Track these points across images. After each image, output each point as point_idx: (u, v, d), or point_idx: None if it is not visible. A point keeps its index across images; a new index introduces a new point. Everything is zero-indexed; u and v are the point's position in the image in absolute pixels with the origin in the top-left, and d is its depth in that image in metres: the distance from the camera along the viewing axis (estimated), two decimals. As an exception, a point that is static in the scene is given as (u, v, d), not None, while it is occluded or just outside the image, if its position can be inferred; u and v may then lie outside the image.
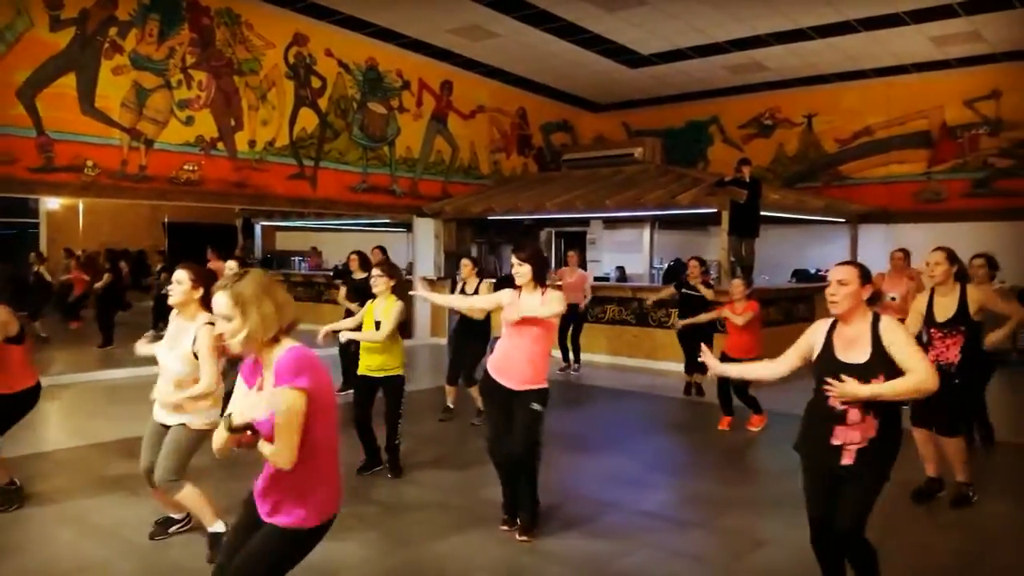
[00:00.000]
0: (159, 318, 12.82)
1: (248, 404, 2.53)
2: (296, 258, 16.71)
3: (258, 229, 16.98)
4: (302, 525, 2.53)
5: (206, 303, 4.06)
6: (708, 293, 8.57)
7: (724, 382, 7.31)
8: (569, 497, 5.15)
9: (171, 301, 4.10)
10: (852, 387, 3.04)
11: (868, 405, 3.09)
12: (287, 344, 2.51)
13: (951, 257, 4.98)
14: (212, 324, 3.91)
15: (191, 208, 11.35)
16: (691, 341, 8.94)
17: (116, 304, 12.01)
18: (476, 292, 7.26)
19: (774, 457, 6.69)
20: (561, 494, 5.10)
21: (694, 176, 12.48)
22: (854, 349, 3.16)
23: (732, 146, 15.19)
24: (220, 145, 10.60)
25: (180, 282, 4.05)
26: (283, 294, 2.58)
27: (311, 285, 15.31)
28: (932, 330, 5.04)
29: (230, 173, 10.74)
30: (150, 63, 9.79)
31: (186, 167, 10.24)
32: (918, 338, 5.04)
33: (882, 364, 3.08)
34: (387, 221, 14.27)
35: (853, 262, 3.29)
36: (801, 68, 13.16)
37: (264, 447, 2.48)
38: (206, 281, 4.09)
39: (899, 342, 3.09)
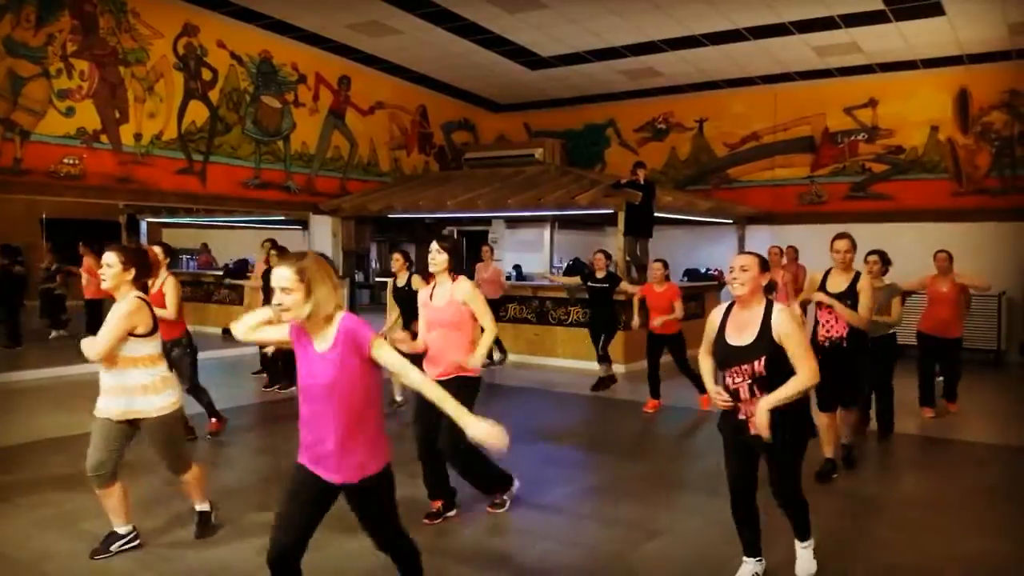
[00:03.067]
0: (48, 314, 12.27)
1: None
2: (185, 256, 16.10)
3: (144, 225, 16.24)
4: (387, 461, 2.96)
5: (137, 283, 4.04)
6: (631, 287, 8.81)
7: (654, 365, 7.86)
8: (470, 493, 5.15)
9: (104, 285, 3.98)
10: (759, 416, 3.38)
11: (754, 383, 3.46)
12: (340, 312, 2.84)
13: (854, 245, 5.50)
14: (140, 299, 3.95)
15: (71, 203, 10.79)
16: (598, 333, 9.15)
17: (18, 301, 11.53)
18: (408, 285, 7.28)
19: (670, 449, 6.90)
20: (462, 491, 5.11)
21: (592, 177, 12.71)
22: (744, 332, 3.50)
23: (628, 149, 15.55)
24: (103, 138, 10.11)
25: (111, 265, 3.93)
26: (333, 274, 2.88)
27: (200, 284, 14.79)
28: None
29: (114, 167, 10.25)
30: (26, 50, 9.25)
31: (66, 160, 9.72)
32: (804, 307, 5.68)
33: (763, 347, 3.44)
34: (282, 218, 13.93)
35: (754, 253, 3.65)
36: (693, 74, 13.59)
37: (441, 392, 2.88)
38: (137, 262, 4.01)
39: (793, 336, 3.42)
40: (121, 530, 4.12)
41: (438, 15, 10.93)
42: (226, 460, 6.14)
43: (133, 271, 3.98)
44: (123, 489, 4.08)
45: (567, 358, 10.85)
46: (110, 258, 3.94)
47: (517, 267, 13.69)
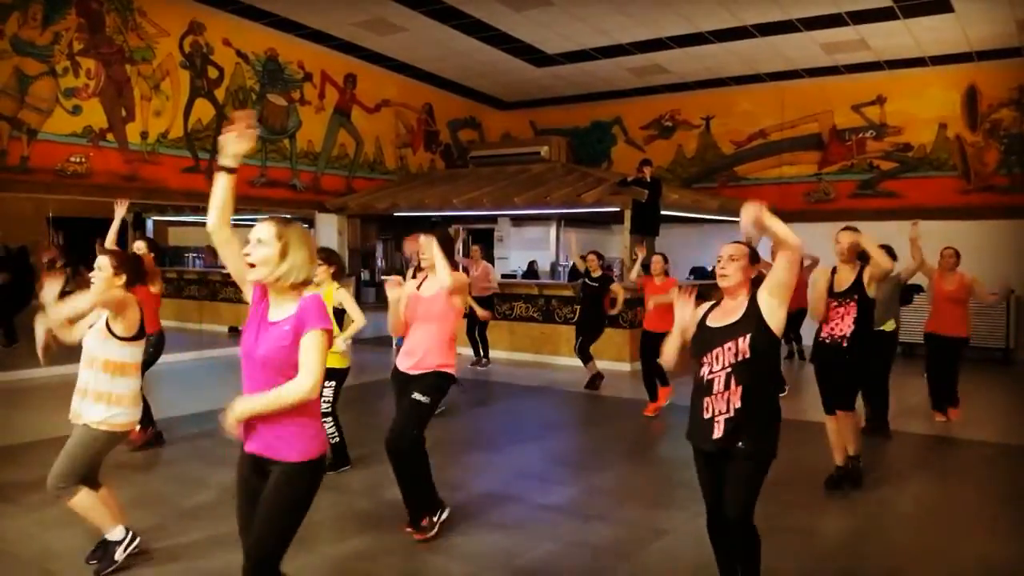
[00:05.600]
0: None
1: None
2: (191, 254, 16.12)
3: (150, 224, 16.29)
4: (318, 454, 2.75)
5: (129, 289, 3.90)
6: (618, 290, 8.79)
7: (648, 368, 7.76)
8: (474, 493, 5.15)
9: (93, 290, 3.84)
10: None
11: (731, 373, 3.15)
12: (308, 290, 2.78)
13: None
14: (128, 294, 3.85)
15: (78, 202, 10.81)
16: (585, 332, 9.12)
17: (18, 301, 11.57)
18: None
19: (674, 449, 6.86)
20: (467, 490, 5.10)
21: (598, 175, 12.68)
22: (728, 317, 3.25)
23: (634, 146, 15.50)
24: (110, 136, 10.12)
25: (102, 268, 3.83)
26: (315, 250, 2.87)
27: (206, 283, 14.81)
28: (829, 299, 5.35)
29: (120, 166, 10.27)
30: (33, 48, 9.26)
31: (73, 159, 9.74)
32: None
33: (749, 324, 3.17)
34: (288, 216, 13.90)
35: (743, 241, 3.45)
36: (700, 72, 13.54)
37: (287, 386, 2.62)
38: (129, 268, 3.90)
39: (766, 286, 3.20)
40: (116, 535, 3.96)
41: (444, 12, 10.91)
42: (230, 458, 6.14)
43: (124, 277, 3.87)
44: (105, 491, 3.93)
45: (572, 357, 10.79)
46: (102, 262, 3.84)
47: (533, 262, 13.65)
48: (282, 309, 2.71)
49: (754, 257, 3.35)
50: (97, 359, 3.78)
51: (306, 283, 2.76)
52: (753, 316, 3.19)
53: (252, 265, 2.68)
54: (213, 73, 11.41)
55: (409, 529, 4.40)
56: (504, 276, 12.81)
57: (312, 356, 2.63)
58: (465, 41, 12.23)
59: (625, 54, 12.66)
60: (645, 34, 11.65)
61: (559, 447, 6.83)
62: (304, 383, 2.61)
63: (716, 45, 12.00)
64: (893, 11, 10.22)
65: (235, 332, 13.13)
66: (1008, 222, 12.03)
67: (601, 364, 9.43)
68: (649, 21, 11.07)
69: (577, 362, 9.58)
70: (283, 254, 2.67)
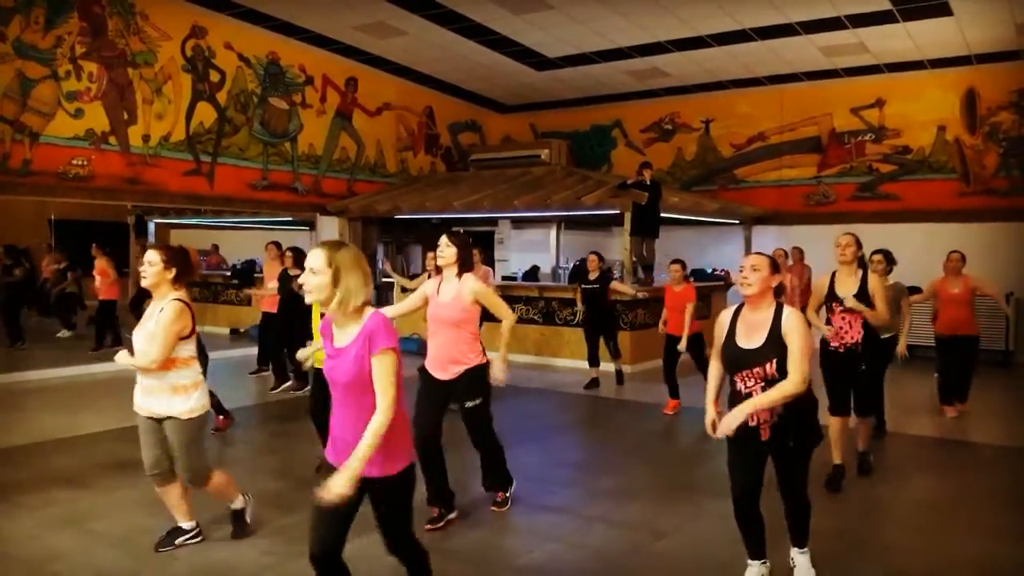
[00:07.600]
0: (58, 314, 12.40)
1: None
2: (193, 257, 16.13)
3: (152, 227, 16.33)
4: (409, 463, 2.92)
5: (177, 284, 4.05)
6: (624, 288, 9.01)
7: (670, 366, 7.85)
8: (476, 494, 5.17)
9: (144, 283, 4.02)
10: (731, 417, 3.37)
11: (767, 386, 3.41)
12: (370, 309, 2.83)
13: (858, 242, 5.41)
14: (179, 300, 3.99)
15: (80, 205, 10.85)
16: (595, 334, 9.16)
17: (23, 301, 11.64)
18: None
19: (675, 450, 6.90)
20: (468, 491, 5.12)
21: (598, 178, 12.71)
22: (755, 334, 3.47)
23: (634, 149, 15.53)
24: (112, 139, 10.15)
25: (152, 263, 3.96)
26: (368, 269, 2.85)
27: (208, 286, 14.84)
28: (834, 304, 5.37)
29: (122, 169, 10.29)
30: (35, 52, 9.30)
31: (75, 162, 9.77)
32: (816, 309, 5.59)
33: (774, 350, 3.41)
34: (289, 219, 13.97)
35: (764, 254, 3.65)
36: (700, 75, 13.57)
37: (373, 424, 2.71)
38: (178, 261, 4.04)
39: (796, 336, 3.39)
40: (185, 525, 4.23)
41: (444, 16, 10.95)
42: (233, 460, 6.16)
43: (174, 271, 4.01)
44: (181, 484, 4.13)
45: (573, 358, 10.83)
46: (152, 256, 3.97)
47: (535, 267, 13.68)
48: (346, 334, 2.81)
49: (774, 267, 3.54)
50: (169, 359, 3.95)
51: (366, 304, 2.83)
52: (777, 340, 3.41)
53: (308, 291, 2.78)
54: (215, 76, 11.44)
55: (497, 499, 4.98)
56: (504, 278, 12.84)
57: (384, 380, 2.74)
58: (465, 45, 12.27)
59: (625, 57, 12.70)
60: (645, 38, 11.69)
61: (560, 448, 6.85)
62: (384, 413, 2.73)
63: (715, 49, 12.04)
64: (892, 14, 10.26)
65: (236, 334, 13.17)
66: (1007, 225, 12.05)
67: (605, 365, 9.45)
68: (648, 25, 11.10)
69: (578, 363, 9.61)
70: (335, 281, 2.73)
